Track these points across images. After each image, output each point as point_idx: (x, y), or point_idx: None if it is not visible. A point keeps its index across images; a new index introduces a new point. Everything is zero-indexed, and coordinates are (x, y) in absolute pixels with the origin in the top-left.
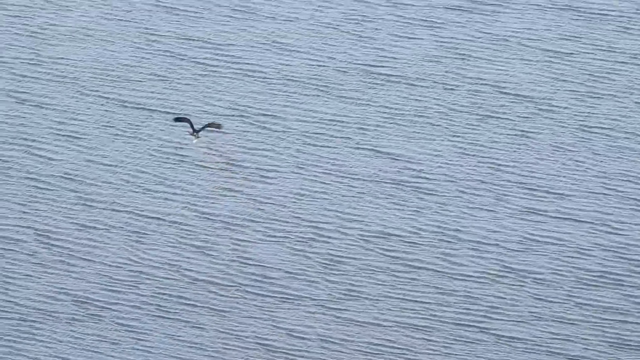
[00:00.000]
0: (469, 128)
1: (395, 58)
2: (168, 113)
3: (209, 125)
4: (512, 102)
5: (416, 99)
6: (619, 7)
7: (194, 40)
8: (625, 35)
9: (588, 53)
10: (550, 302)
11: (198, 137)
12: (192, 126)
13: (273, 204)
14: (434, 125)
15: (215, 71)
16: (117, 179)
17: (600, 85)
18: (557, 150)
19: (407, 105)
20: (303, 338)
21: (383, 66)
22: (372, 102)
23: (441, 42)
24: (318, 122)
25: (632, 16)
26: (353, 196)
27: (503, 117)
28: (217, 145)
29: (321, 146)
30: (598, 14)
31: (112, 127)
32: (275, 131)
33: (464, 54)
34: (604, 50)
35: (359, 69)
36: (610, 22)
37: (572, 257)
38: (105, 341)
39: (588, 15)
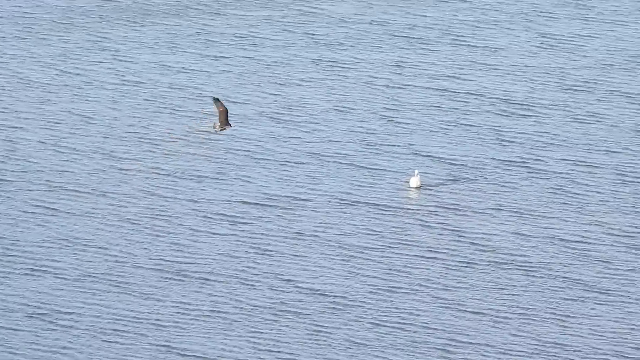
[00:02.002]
0: (265, 324)
1: (193, 254)
2: None
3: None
4: (308, 296)
5: (212, 295)
6: (410, 202)
7: None
8: (419, 232)
9: (384, 247)
10: None
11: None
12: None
13: None
14: (230, 321)
15: (12, 271)
16: None
17: (396, 279)
18: (353, 346)
19: (203, 302)
20: None
21: (180, 262)
22: (168, 299)
23: (239, 237)
24: (112, 318)
25: (424, 208)
26: None
27: (299, 312)
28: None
29: (114, 343)
30: (391, 207)
31: None
32: (70, 329)
33: (262, 249)
34: (400, 244)
35: (156, 264)
36: (404, 217)
37: None
38: None
39: (381, 210)
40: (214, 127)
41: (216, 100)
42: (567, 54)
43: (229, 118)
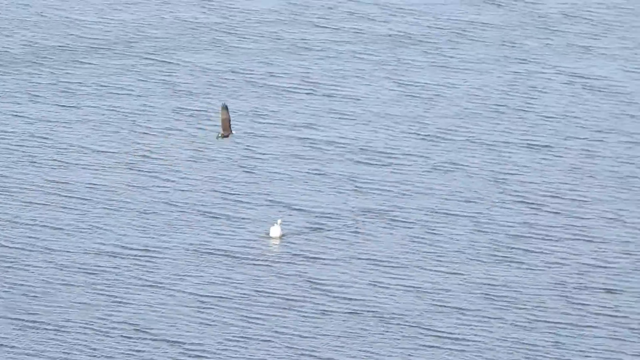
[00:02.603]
0: None
1: (47, 304)
2: None
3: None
4: (163, 347)
5: (66, 345)
6: (271, 252)
7: None
8: (278, 282)
9: (242, 297)
10: None
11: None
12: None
13: None
14: None
15: None
16: None
17: (252, 329)
18: None
19: (57, 352)
20: None
21: (34, 312)
22: (21, 349)
23: (95, 287)
24: None
25: (284, 258)
26: None
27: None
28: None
29: None
30: (251, 257)
31: None
32: None
33: (117, 299)
34: (257, 294)
35: (9, 314)
36: (264, 266)
37: None
38: None
39: (240, 260)
40: (217, 135)
41: (225, 107)
42: (426, 103)
43: (231, 126)
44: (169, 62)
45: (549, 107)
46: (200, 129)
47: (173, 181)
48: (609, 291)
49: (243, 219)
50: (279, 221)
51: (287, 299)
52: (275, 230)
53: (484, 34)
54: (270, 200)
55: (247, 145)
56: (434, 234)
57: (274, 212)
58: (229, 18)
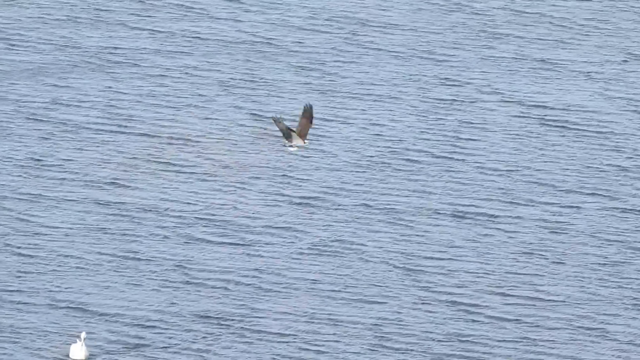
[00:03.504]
0: None
1: None
2: None
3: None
4: None
5: None
6: None
7: None
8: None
9: None
10: None
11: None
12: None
13: None
14: None
15: None
16: None
17: None
18: None
19: None
20: None
21: None
22: None
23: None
24: None
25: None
26: None
27: None
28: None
29: None
30: None
31: None
32: None
33: None
34: None
35: None
36: None
37: None
38: None
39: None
40: (288, 142)
41: (310, 108)
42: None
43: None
44: None
45: (492, 153)
46: None
47: None
48: None
49: (25, 329)
50: (82, 335)
51: None
52: (77, 350)
53: (391, 40)
54: (66, 301)
55: (26, 211)
56: (308, 349)
57: (74, 320)
58: None
